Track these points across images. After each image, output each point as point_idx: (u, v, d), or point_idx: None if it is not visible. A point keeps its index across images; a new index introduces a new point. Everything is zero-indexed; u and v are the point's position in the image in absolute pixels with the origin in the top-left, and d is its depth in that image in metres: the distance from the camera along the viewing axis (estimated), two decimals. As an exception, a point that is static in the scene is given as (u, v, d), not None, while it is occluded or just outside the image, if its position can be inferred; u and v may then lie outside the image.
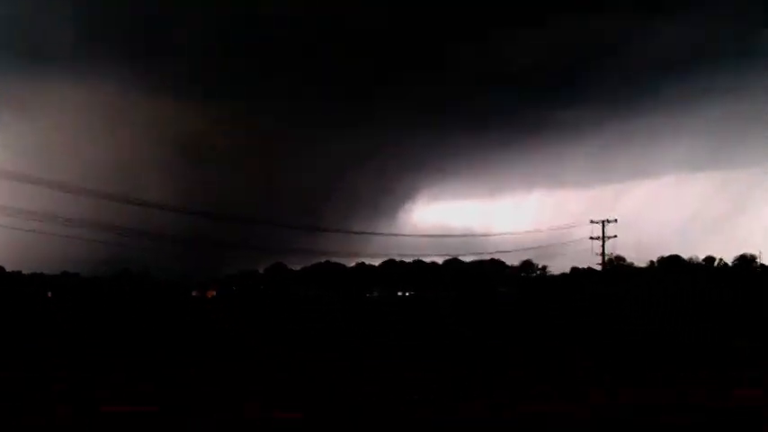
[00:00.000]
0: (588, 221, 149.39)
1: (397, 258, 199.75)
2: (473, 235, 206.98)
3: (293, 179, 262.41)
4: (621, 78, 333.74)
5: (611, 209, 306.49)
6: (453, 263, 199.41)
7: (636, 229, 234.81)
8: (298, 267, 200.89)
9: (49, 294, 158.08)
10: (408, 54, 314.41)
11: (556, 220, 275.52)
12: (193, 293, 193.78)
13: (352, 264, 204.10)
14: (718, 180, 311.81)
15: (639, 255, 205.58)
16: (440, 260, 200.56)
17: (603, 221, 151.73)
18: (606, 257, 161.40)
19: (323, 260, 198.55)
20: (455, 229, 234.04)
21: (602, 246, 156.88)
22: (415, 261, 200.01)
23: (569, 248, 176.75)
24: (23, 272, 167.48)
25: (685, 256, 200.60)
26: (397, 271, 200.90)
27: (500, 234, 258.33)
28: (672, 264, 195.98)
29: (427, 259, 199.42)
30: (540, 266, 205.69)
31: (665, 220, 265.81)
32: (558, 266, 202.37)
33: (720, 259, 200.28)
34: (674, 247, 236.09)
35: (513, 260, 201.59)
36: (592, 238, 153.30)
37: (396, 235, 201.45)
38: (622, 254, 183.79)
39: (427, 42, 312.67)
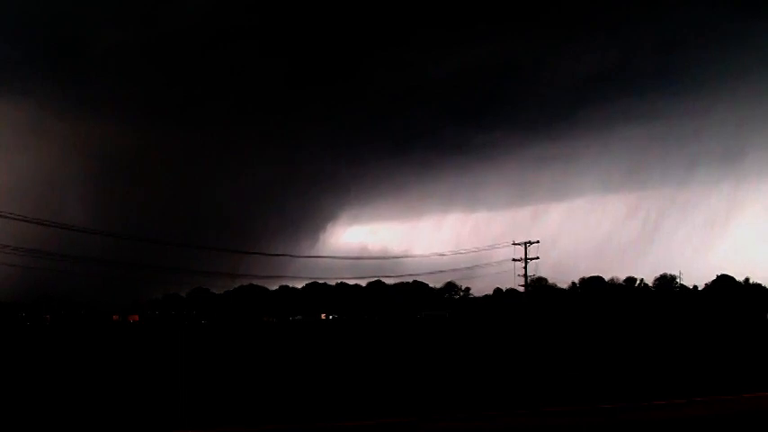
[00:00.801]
0: (507, 243, 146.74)
1: (321, 281, 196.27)
2: (394, 257, 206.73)
3: (217, 201, 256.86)
4: (540, 103, 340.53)
5: (528, 231, 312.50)
6: (376, 285, 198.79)
7: (556, 251, 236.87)
8: (221, 291, 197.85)
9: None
10: (324, 75, 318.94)
11: (475, 242, 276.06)
12: (114, 318, 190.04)
13: (275, 287, 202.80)
14: (633, 201, 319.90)
15: (560, 275, 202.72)
16: (363, 282, 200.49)
17: (526, 243, 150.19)
18: (529, 278, 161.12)
19: (246, 284, 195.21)
20: (375, 251, 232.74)
21: (525, 267, 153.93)
22: (338, 284, 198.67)
23: (490, 270, 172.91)
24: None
25: (606, 276, 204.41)
26: (320, 294, 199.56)
27: (420, 256, 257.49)
28: (593, 284, 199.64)
29: (350, 281, 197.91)
30: (462, 288, 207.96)
31: (583, 241, 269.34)
32: (480, 288, 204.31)
33: (641, 280, 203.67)
34: (594, 268, 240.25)
35: (435, 282, 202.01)
36: (515, 259, 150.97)
37: (317, 257, 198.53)
38: (544, 275, 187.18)
39: (345, 62, 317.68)
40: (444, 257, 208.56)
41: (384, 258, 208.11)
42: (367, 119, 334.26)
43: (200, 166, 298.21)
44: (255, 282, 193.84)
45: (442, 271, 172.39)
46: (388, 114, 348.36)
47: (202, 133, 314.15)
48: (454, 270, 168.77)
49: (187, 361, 51.37)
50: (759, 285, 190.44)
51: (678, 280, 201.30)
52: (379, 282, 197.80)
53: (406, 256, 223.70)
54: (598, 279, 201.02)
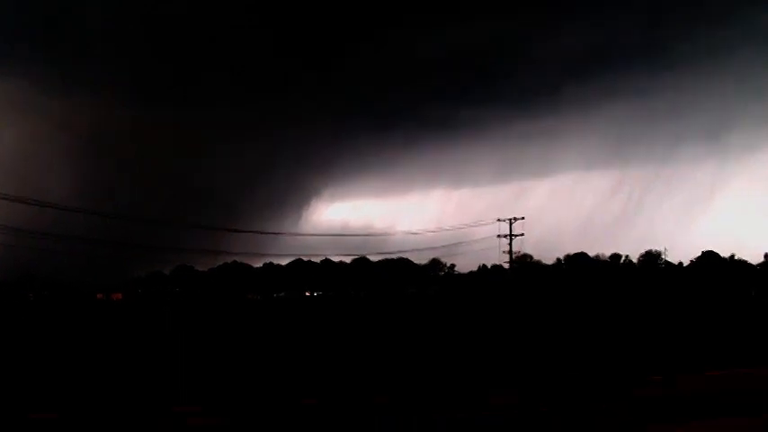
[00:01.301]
0: (492, 220, 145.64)
1: (305, 258, 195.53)
2: (380, 234, 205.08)
3: (203, 179, 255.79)
4: (526, 79, 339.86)
5: (513, 207, 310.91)
6: (361, 262, 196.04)
7: (540, 227, 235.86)
8: (205, 269, 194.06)
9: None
10: (310, 54, 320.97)
11: (459, 219, 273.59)
12: (98, 296, 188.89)
13: (260, 264, 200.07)
14: (617, 177, 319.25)
15: (545, 252, 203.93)
16: (347, 259, 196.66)
17: (511, 219, 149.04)
18: (514, 255, 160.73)
19: (230, 261, 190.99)
20: (358, 228, 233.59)
21: (510, 244, 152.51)
22: (323, 261, 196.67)
23: (475, 247, 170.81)
24: None
25: (591, 253, 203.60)
26: (304, 271, 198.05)
27: (404, 233, 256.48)
28: (578, 261, 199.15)
29: (335, 258, 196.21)
30: (447, 265, 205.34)
31: (567, 218, 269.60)
32: (465, 265, 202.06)
33: (627, 257, 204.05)
34: (579, 245, 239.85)
35: (419, 259, 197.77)
36: (499, 236, 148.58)
37: (301, 234, 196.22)
38: (528, 252, 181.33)
39: (330, 41, 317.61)
40: (429, 234, 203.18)
41: (369, 236, 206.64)
42: (352, 97, 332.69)
43: (186, 144, 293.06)
44: (239, 259, 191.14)
45: (427, 248, 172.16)
46: (373, 92, 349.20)
47: (189, 112, 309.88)
48: (439, 247, 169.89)
49: (179, 340, 50.43)
50: (744, 262, 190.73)
51: (663, 256, 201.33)
52: (363, 259, 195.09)
53: (391, 234, 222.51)
54: (583, 256, 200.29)
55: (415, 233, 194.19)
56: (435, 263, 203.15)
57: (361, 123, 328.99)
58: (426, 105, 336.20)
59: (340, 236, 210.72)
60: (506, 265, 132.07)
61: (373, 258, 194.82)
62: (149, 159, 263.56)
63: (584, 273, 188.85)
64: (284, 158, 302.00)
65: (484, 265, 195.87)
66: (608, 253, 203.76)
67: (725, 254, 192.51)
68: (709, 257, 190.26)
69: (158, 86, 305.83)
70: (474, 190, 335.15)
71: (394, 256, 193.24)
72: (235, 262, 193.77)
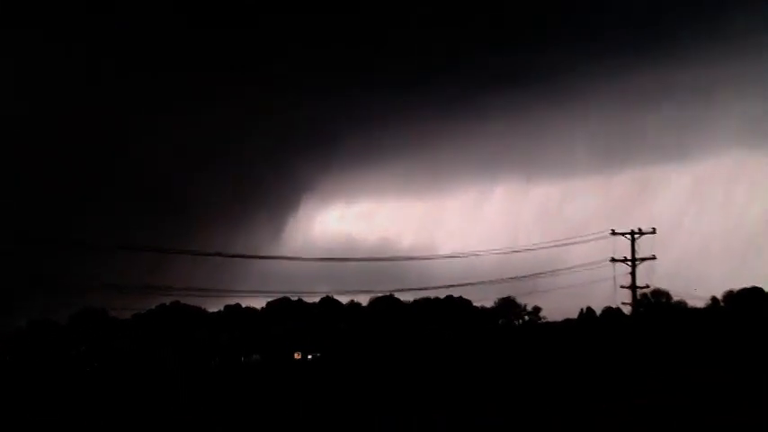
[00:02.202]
0: (599, 232, 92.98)
1: (292, 296, 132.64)
2: (411, 257, 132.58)
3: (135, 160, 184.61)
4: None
5: (631, 211, 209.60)
6: (384, 303, 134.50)
7: (679, 244, 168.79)
8: (128, 314, 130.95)
9: None
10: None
11: (541, 231, 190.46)
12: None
13: (218, 308, 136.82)
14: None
15: (688, 286, 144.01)
16: (361, 299, 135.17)
17: (632, 233, 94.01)
18: (639, 293, 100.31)
19: (167, 302, 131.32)
20: (372, 246, 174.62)
21: (632, 273, 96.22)
22: (321, 300, 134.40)
23: (573, 279, 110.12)
24: None
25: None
26: (292, 316, 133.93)
27: (451, 255, 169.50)
28: (751, 301, 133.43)
29: (339, 296, 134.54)
30: (525, 308, 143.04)
31: (724, 228, 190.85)
32: (557, 308, 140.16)
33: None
34: (747, 274, 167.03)
35: (480, 298, 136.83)
36: (614, 259, 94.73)
37: (284, 258, 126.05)
38: (662, 286, 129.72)
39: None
40: (493, 258, 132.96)
41: (391, 260, 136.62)
42: (369, 49, 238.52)
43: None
44: (183, 298, 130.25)
45: (492, 280, 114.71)
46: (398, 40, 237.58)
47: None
48: (513, 279, 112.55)
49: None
50: None
51: None
52: (390, 298, 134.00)
53: (429, 256, 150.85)
54: (757, 292, 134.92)
55: (469, 255, 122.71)
56: (507, 305, 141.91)
57: (383, 84, 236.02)
58: (481, 55, 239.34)
59: (345, 261, 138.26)
60: (627, 309, 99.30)
61: (403, 297, 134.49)
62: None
63: (761, 321, 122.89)
64: (254, 132, 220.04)
65: (588, 309, 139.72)
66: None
67: None
68: None
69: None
70: (563, 184, 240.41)
71: (435, 293, 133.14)
72: (177, 304, 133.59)
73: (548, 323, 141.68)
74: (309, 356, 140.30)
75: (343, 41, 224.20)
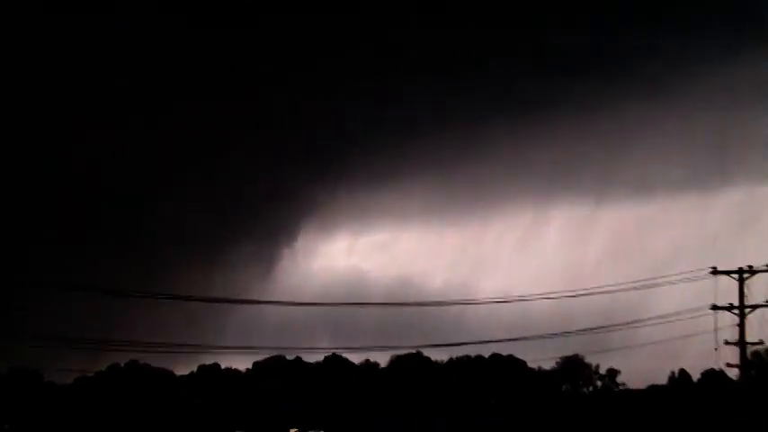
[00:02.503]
0: (693, 270, 67.03)
1: (288, 355, 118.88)
2: (442, 302, 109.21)
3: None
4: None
5: (734, 243, 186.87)
6: (411, 362, 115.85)
7: None
8: (69, 378, 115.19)
9: None
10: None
11: (614, 270, 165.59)
12: None
13: (189, 370, 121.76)
14: None
15: None
16: (381, 359, 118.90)
17: (741, 271, 71.83)
18: (749, 350, 77.15)
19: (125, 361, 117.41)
20: (390, 289, 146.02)
21: (741, 323, 74.55)
22: (326, 359, 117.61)
23: (660, 332, 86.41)
24: None
25: None
26: (286, 377, 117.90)
27: (495, 297, 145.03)
28: None
29: (349, 354, 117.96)
30: (597, 370, 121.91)
31: None
32: (639, 369, 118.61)
33: None
34: None
35: (537, 357, 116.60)
36: (716, 307, 70.94)
37: (277, 303, 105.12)
38: None
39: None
40: (552, 303, 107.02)
41: (419, 305, 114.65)
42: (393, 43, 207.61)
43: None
44: (145, 357, 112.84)
45: (552, 334, 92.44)
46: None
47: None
48: (580, 332, 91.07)
49: None
50: None
51: None
52: (417, 356, 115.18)
53: (468, 300, 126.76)
54: None
55: (519, 299, 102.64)
56: (573, 366, 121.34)
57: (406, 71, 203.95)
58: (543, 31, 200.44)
59: (356, 305, 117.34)
60: (733, 372, 75.06)
61: (434, 355, 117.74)
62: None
63: None
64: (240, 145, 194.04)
65: (681, 372, 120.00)
66: None
67: None
68: None
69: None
70: (644, 206, 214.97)
71: (476, 350, 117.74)
72: (135, 363, 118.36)
73: (627, 390, 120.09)
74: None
75: (353, 39, 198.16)
